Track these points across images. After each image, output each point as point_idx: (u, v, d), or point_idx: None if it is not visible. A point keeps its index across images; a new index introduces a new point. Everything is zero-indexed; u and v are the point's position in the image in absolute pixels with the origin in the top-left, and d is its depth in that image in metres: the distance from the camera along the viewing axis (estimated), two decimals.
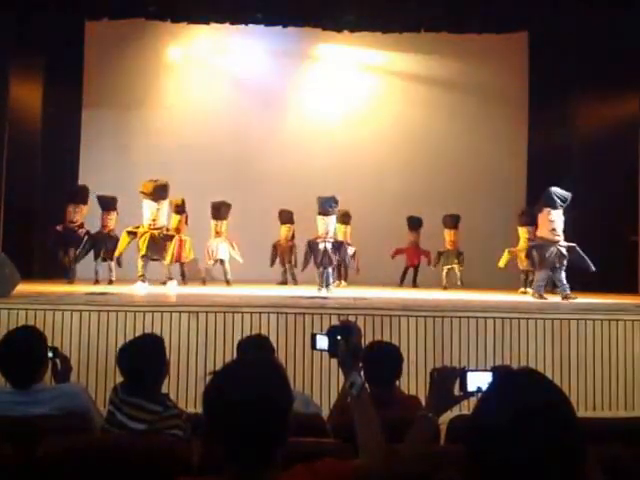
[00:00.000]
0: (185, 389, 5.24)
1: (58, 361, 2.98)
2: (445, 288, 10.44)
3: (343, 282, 10.55)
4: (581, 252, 7.83)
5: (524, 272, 9.83)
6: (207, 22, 11.10)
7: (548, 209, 7.85)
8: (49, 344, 2.95)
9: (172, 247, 8.51)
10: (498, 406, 1.14)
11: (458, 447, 2.12)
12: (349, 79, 12.19)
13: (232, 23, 11.10)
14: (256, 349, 3.25)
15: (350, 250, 9.89)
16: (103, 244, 9.41)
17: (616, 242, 9.30)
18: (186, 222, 10.00)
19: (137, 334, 5.23)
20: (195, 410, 2.83)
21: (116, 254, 9.03)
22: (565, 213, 8.03)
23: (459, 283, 10.55)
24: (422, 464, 1.84)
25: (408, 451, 1.77)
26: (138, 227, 8.48)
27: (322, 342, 2.12)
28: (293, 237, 10.49)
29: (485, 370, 1.81)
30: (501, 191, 11.61)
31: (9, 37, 9.36)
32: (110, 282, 9.29)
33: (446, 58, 11.93)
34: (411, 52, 11.96)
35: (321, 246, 8.47)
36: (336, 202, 8.62)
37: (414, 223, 11.01)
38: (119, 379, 5.18)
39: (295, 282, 10.35)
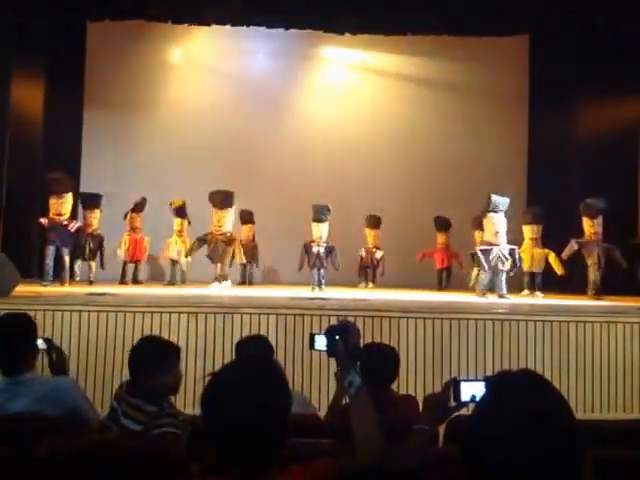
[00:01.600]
0: (184, 390, 5.23)
1: (54, 354, 2.96)
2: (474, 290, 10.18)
3: (370, 284, 10.68)
4: (518, 255, 8.60)
5: (528, 273, 9.63)
6: (208, 24, 11.09)
7: (492, 214, 8.40)
8: (45, 337, 2.96)
9: (234, 250, 9.12)
10: (497, 409, 1.13)
11: (457, 448, 2.13)
12: (351, 81, 12.21)
13: (233, 25, 11.10)
14: (255, 350, 3.25)
15: (378, 254, 10.49)
16: (87, 244, 9.21)
17: (616, 244, 9.29)
18: (189, 223, 10.14)
19: (137, 335, 5.30)
20: (194, 412, 2.83)
21: (187, 258, 9.53)
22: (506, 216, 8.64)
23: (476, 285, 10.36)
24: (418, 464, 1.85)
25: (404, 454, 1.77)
26: (207, 234, 9.17)
27: (320, 342, 2.12)
28: (254, 237, 10.55)
29: (478, 380, 1.82)
30: (502, 191, 11.61)
31: (11, 38, 9.35)
32: (90, 283, 9.10)
33: (447, 60, 11.94)
34: (412, 54, 11.97)
35: (315, 249, 9.32)
36: (329, 210, 9.42)
37: (442, 224, 10.84)
38: (118, 379, 5.20)
39: (250, 283, 10.30)
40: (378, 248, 10.67)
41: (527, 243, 9.59)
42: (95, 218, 9.43)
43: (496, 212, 8.38)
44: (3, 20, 9.08)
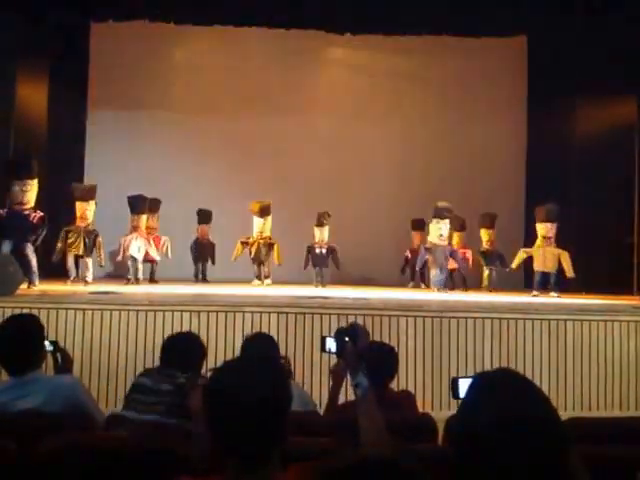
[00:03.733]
0: None
1: (59, 356, 3.00)
2: (490, 291, 9.95)
3: (422, 285, 10.94)
4: (458, 254, 9.86)
5: (539, 273, 9.19)
6: (211, 24, 11.15)
7: (437, 219, 9.48)
8: (51, 340, 3.00)
9: (276, 252, 10.08)
10: (477, 410, 1.15)
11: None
12: (351, 81, 12.19)
13: (235, 25, 11.16)
14: (260, 347, 3.29)
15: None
16: (81, 240, 8.61)
17: (612, 243, 9.32)
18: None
19: (140, 333, 5.37)
20: None
21: (232, 259, 9.93)
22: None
23: (488, 284, 10.11)
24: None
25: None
26: (249, 238, 10.11)
27: (331, 344, 2.16)
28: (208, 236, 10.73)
29: (474, 377, 1.86)
30: (500, 192, 11.64)
31: (15, 39, 9.39)
32: (86, 283, 8.48)
33: (447, 61, 11.93)
34: (412, 54, 11.95)
35: (317, 251, 10.20)
36: (329, 215, 10.24)
37: (456, 224, 10.65)
38: (122, 377, 5.26)
39: (204, 280, 10.51)
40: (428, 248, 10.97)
41: (539, 241, 9.28)
42: (90, 211, 8.73)
43: (441, 218, 9.46)
44: (7, 20, 9.12)
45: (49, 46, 10.42)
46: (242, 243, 10.18)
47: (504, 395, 1.15)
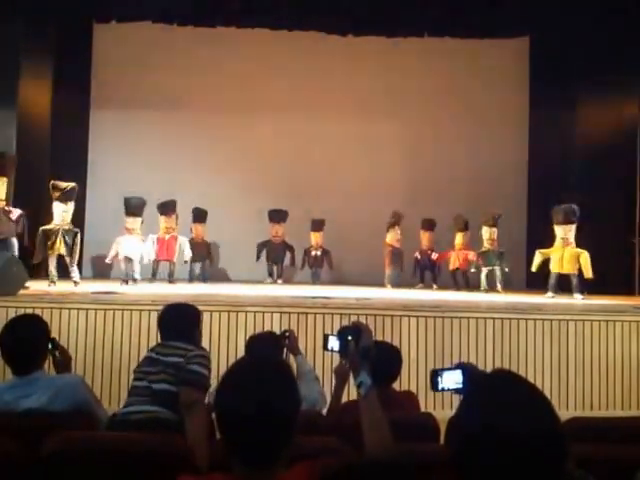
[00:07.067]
0: None
1: (57, 353, 2.99)
2: (487, 291, 9.80)
3: (434, 286, 10.87)
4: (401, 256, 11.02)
5: (555, 275, 8.94)
6: (213, 26, 11.15)
7: (396, 226, 10.79)
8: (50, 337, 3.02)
9: (292, 254, 11.01)
10: (474, 410, 1.14)
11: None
12: (353, 83, 12.15)
13: (238, 27, 11.16)
14: (265, 347, 3.30)
15: (434, 256, 11.08)
16: (62, 239, 8.26)
17: (614, 244, 9.31)
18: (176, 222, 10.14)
19: (143, 333, 5.38)
20: None
21: (256, 260, 10.60)
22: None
23: (499, 287, 9.82)
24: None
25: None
26: (267, 241, 10.92)
27: (333, 343, 2.16)
28: (203, 235, 10.68)
29: (454, 368, 1.87)
30: (502, 193, 11.63)
31: (19, 39, 9.42)
32: (75, 283, 8.21)
33: (448, 62, 11.92)
34: (413, 57, 11.93)
35: (313, 253, 11.20)
36: (324, 222, 11.15)
37: (462, 224, 10.66)
38: (125, 377, 5.27)
39: (205, 280, 10.48)
40: (433, 250, 10.97)
41: (557, 243, 9.07)
42: (69, 212, 8.51)
43: (399, 224, 10.76)
44: (11, 21, 9.15)
45: (52, 46, 10.45)
46: (259, 245, 10.91)
47: (503, 397, 1.14)
